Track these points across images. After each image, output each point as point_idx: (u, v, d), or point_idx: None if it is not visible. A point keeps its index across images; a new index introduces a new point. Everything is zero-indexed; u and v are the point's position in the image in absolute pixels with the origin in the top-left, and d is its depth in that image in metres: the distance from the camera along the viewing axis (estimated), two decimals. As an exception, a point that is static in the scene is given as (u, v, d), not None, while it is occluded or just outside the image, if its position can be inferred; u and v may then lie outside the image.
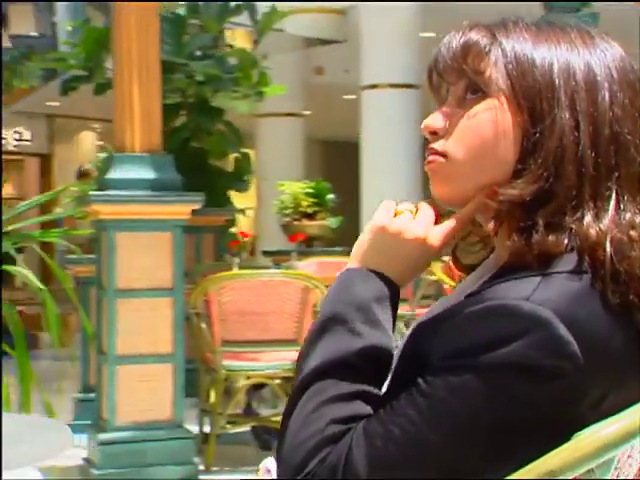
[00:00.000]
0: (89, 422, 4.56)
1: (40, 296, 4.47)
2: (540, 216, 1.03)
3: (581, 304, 0.99)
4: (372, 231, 1.10)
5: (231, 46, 7.11)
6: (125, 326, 4.15)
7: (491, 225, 1.10)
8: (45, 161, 13.82)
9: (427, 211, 1.11)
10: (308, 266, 5.42)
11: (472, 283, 1.12)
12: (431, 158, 1.10)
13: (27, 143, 13.63)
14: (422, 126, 1.12)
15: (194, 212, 4.50)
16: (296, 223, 6.70)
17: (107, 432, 4.16)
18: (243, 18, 7.04)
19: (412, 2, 8.42)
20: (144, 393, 4.19)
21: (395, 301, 1.09)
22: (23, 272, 4.51)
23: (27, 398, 4.48)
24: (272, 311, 4.32)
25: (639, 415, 0.99)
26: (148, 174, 4.18)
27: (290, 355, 4.40)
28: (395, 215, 1.11)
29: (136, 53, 4.24)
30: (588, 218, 1.03)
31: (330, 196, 6.81)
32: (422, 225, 1.09)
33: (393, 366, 1.07)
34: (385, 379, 1.06)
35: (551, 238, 1.02)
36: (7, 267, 4.81)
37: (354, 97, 9.68)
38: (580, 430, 0.98)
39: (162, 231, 4.16)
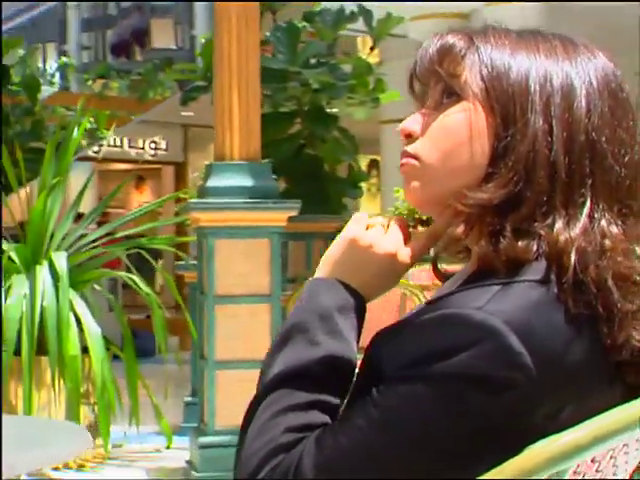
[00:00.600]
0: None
1: (148, 301, 4.60)
2: (509, 221, 1.01)
3: (537, 314, 0.97)
4: (343, 242, 1.10)
5: (348, 53, 7.15)
6: (224, 331, 4.22)
7: (461, 229, 1.08)
8: (180, 169, 14.21)
9: (398, 227, 1.10)
10: (420, 272, 5.38)
11: (445, 291, 1.10)
12: (404, 161, 1.09)
13: (163, 152, 14.05)
14: (397, 129, 1.11)
15: (306, 218, 4.53)
16: (411, 230, 6.65)
17: (207, 435, 4.23)
18: (360, 25, 7.06)
19: (536, 2, 8.27)
20: (242, 398, 4.23)
21: (361, 312, 1.08)
22: (131, 277, 4.66)
23: (135, 400, 4.62)
24: (369, 317, 4.31)
25: (593, 428, 0.96)
26: (246, 182, 4.25)
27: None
28: (367, 228, 1.10)
29: (235, 60, 4.31)
30: (559, 225, 1.01)
31: (445, 202, 6.73)
32: (393, 241, 1.09)
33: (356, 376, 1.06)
34: (346, 389, 1.05)
35: (520, 244, 1.00)
36: (121, 273, 4.97)
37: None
38: (536, 441, 0.96)
39: (259, 238, 4.22)
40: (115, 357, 4.70)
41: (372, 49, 7.11)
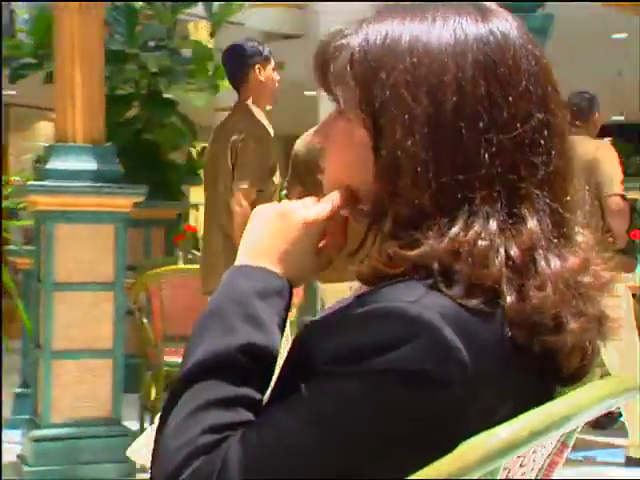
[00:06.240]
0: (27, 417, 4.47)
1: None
2: (383, 234, 1.01)
3: (470, 306, 0.94)
4: (251, 221, 1.06)
5: (186, 38, 7.02)
6: (63, 320, 4.05)
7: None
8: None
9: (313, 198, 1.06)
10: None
11: None
12: None
13: (-18, 132, 13.40)
14: None
15: (144, 205, 4.40)
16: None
17: (41, 429, 4.07)
18: (199, 10, 6.95)
19: None
20: (81, 389, 4.10)
21: (286, 297, 1.02)
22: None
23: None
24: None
25: (528, 423, 0.94)
26: (90, 165, 4.09)
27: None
28: None
29: (78, 40, 4.13)
30: (434, 233, 0.96)
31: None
32: (295, 203, 1.05)
33: (279, 368, 1.01)
34: (266, 379, 0.99)
35: (389, 260, 0.98)
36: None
37: (314, 94, 9.61)
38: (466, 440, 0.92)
39: (103, 223, 4.07)
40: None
41: (212, 35, 7.01)
